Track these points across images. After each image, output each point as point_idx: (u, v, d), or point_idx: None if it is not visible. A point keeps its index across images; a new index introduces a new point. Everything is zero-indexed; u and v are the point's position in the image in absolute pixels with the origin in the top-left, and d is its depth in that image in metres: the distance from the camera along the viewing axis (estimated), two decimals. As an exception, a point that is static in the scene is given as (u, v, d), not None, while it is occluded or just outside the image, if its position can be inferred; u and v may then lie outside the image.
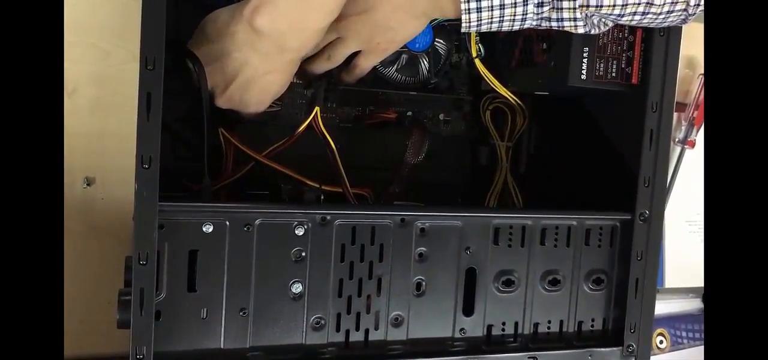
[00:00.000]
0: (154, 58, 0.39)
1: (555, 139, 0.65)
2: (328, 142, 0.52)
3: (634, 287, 0.53)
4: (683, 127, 0.77)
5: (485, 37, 0.59)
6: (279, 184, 0.52)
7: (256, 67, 0.47)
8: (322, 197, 0.49)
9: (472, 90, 0.65)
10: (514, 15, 0.45)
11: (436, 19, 0.56)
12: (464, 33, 0.47)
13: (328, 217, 0.46)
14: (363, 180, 0.57)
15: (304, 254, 0.46)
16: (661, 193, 0.53)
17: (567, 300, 0.53)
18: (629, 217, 0.53)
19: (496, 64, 0.60)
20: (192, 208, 0.43)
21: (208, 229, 0.43)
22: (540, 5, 0.45)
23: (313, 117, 0.51)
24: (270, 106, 0.56)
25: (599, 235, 0.54)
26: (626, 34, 0.52)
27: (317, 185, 0.51)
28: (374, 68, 0.58)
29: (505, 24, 0.46)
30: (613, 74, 0.53)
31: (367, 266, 0.47)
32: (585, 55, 0.52)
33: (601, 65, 0.52)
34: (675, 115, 0.78)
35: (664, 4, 0.44)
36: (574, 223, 0.53)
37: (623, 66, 0.53)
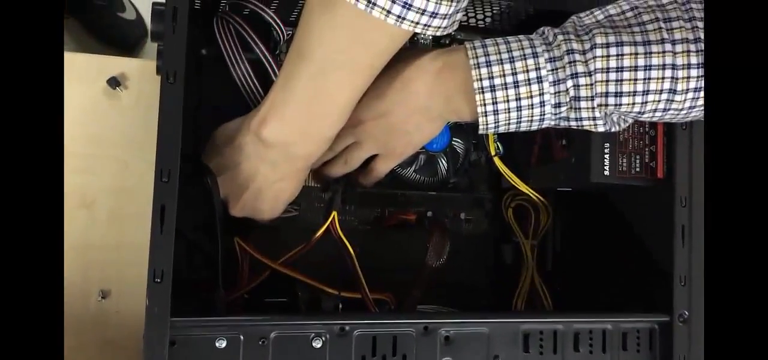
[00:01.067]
0: (170, 170, 0.39)
1: (581, 235, 0.63)
2: (346, 247, 0.50)
3: (679, 395, 0.49)
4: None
5: (503, 135, 0.59)
6: (296, 291, 0.50)
7: (266, 176, 0.47)
8: (341, 305, 0.47)
9: (493, 188, 0.64)
10: (532, 117, 0.44)
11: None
12: (465, 129, 0.47)
13: (347, 328, 0.44)
14: (384, 283, 0.55)
15: (322, 368, 0.43)
16: (699, 292, 0.50)
17: (606, 411, 0.49)
18: (668, 319, 0.50)
19: (515, 160, 0.59)
20: (205, 322, 0.41)
21: (222, 344, 0.41)
22: (558, 106, 0.44)
23: (331, 222, 0.50)
24: (287, 211, 0.55)
25: (637, 339, 0.50)
26: (647, 129, 0.51)
27: (336, 292, 0.49)
28: (392, 170, 0.58)
29: (523, 125, 0.45)
30: (638, 169, 0.51)
31: (389, 379, 0.45)
32: (606, 150, 0.50)
33: (624, 160, 0.51)
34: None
35: (685, 100, 0.43)
36: (609, 326, 0.50)
37: (647, 160, 0.51)
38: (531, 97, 0.43)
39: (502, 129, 0.45)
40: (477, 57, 0.44)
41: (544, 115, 0.44)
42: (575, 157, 0.53)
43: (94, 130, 0.55)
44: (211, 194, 0.47)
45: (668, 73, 0.42)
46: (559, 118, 0.45)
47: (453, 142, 0.59)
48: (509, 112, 0.44)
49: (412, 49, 0.49)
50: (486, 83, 0.43)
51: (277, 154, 0.46)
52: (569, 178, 0.54)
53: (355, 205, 0.60)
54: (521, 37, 0.45)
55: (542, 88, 0.43)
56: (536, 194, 0.60)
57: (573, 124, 0.45)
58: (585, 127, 0.45)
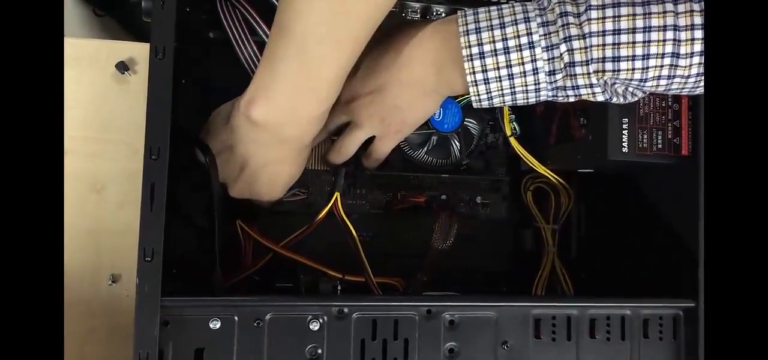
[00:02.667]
0: (159, 148, 0.38)
1: (606, 219, 0.60)
2: (349, 229, 0.49)
3: (706, 387, 0.46)
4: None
5: (522, 115, 0.56)
6: (299, 275, 0.49)
7: (259, 158, 0.46)
8: (340, 288, 0.45)
9: (511, 170, 0.62)
10: (526, 85, 0.42)
11: (459, 97, 0.54)
12: (477, 108, 0.44)
13: (346, 310, 0.42)
14: (394, 268, 0.54)
15: (319, 351, 0.42)
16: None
17: (626, 403, 0.46)
18: (693, 305, 0.46)
19: (534, 141, 0.57)
20: (197, 302, 0.40)
21: (216, 325, 0.41)
22: (552, 73, 0.41)
23: (334, 203, 0.49)
24: (294, 194, 0.54)
25: (659, 326, 0.47)
26: (670, 103, 0.48)
27: (339, 275, 0.48)
28: (403, 151, 0.56)
29: (518, 95, 0.42)
30: (660, 145, 0.48)
31: (390, 364, 0.43)
32: (625, 126, 0.47)
33: (645, 137, 0.48)
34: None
35: (691, 65, 0.40)
36: (628, 312, 0.47)
37: (670, 137, 0.48)
38: (522, 63, 0.41)
39: (496, 101, 0.43)
40: (467, 24, 0.42)
41: (538, 84, 0.42)
42: (592, 134, 0.50)
43: (104, 115, 0.55)
44: (209, 174, 0.47)
45: (669, 34, 0.39)
46: (556, 88, 0.42)
47: (466, 123, 0.57)
48: (500, 80, 0.42)
49: (404, 23, 0.47)
50: (475, 50, 0.41)
51: (268, 135, 0.44)
52: (587, 158, 0.51)
53: (365, 189, 0.59)
54: (516, 3, 0.42)
55: (534, 54, 0.41)
56: (556, 176, 0.57)
57: (570, 93, 0.42)
58: (583, 97, 0.42)
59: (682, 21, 0.39)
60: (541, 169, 0.56)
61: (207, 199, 0.52)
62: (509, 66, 0.41)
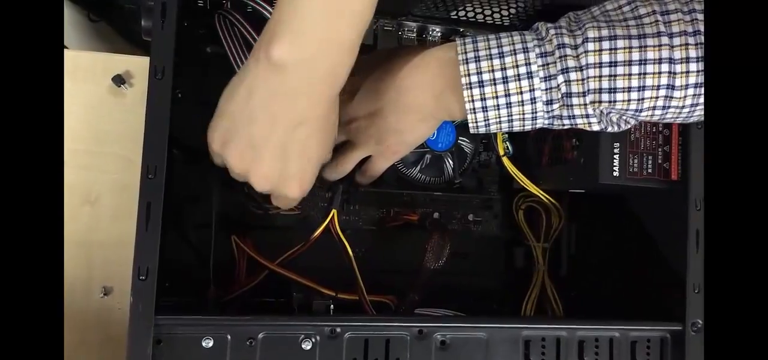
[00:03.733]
0: (156, 167, 0.39)
1: (597, 239, 0.60)
2: (345, 246, 0.49)
3: (693, 410, 0.46)
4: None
5: (515, 135, 0.57)
6: (293, 292, 0.49)
7: (286, 119, 0.40)
8: (332, 307, 0.46)
9: (503, 188, 0.62)
10: (523, 114, 0.42)
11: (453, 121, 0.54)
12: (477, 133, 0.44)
13: (338, 329, 0.43)
14: (387, 286, 0.54)
15: (312, 370, 0.42)
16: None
17: (614, 425, 0.47)
18: (680, 328, 0.47)
19: (527, 161, 0.57)
20: (191, 321, 0.41)
21: (208, 343, 0.41)
22: (549, 103, 0.42)
23: (331, 221, 0.49)
24: (292, 210, 0.55)
25: (647, 349, 0.48)
26: (661, 128, 0.49)
27: (332, 293, 0.48)
28: (396, 169, 0.57)
29: (515, 123, 0.43)
30: (650, 170, 0.49)
31: (381, 384, 0.43)
32: (616, 150, 0.48)
33: (635, 161, 0.48)
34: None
35: (686, 96, 0.40)
36: (617, 334, 0.47)
37: (660, 161, 0.49)
38: (521, 93, 0.42)
39: (493, 128, 0.43)
40: (466, 52, 0.42)
41: (535, 113, 0.42)
42: (584, 157, 0.51)
43: (99, 127, 0.55)
44: (210, 189, 0.47)
45: (665, 67, 0.40)
46: (553, 117, 0.43)
47: (460, 142, 0.57)
48: (498, 108, 0.42)
49: (404, 48, 0.48)
50: (474, 79, 0.42)
51: (295, 79, 0.38)
52: (579, 179, 0.52)
53: (359, 206, 0.59)
54: (514, 32, 0.43)
55: (532, 84, 0.41)
56: (547, 196, 0.58)
57: (566, 122, 0.43)
58: (579, 126, 0.43)
59: (677, 54, 0.40)
60: (533, 188, 0.56)
61: (202, 212, 0.52)
62: (508, 95, 0.42)
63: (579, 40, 0.41)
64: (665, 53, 0.40)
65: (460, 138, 0.57)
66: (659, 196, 0.50)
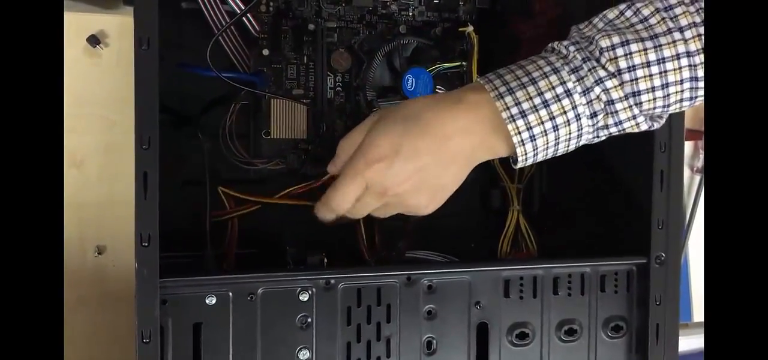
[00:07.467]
0: (149, 137, 0.39)
1: (567, 179, 0.64)
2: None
3: (655, 333, 0.51)
4: (701, 155, 0.75)
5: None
6: (286, 247, 0.51)
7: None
8: (326, 259, 0.48)
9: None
10: (570, 134, 0.42)
11: (430, 67, 0.55)
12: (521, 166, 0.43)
13: (333, 281, 0.45)
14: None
15: (310, 320, 0.45)
16: (676, 235, 0.51)
17: (586, 349, 0.52)
18: (645, 261, 0.51)
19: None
20: (194, 282, 0.43)
21: (212, 301, 0.43)
22: (594, 116, 0.42)
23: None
24: (275, 163, 0.56)
25: (615, 281, 0.52)
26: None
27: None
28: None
29: (560, 146, 0.42)
30: (620, 116, 0.51)
31: (374, 328, 0.47)
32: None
33: (606, 108, 0.51)
34: (692, 143, 0.76)
35: None
36: (588, 270, 0.51)
37: (629, 106, 0.51)
38: (565, 113, 0.41)
39: (541, 156, 0.42)
40: (496, 88, 0.41)
41: (581, 129, 0.42)
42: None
43: (77, 89, 0.55)
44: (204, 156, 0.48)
45: (684, 61, 0.41)
46: (597, 129, 0.43)
47: (437, 90, 0.59)
48: (546, 134, 0.41)
49: (426, 98, 0.46)
50: (514, 111, 0.41)
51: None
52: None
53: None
54: (533, 57, 0.42)
55: (574, 101, 0.41)
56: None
57: (613, 130, 0.43)
58: (627, 130, 0.43)
59: (692, 46, 0.41)
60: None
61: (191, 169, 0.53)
62: (552, 118, 0.41)
63: (596, 53, 0.41)
64: (681, 48, 0.41)
65: (438, 86, 0.59)
66: (627, 138, 0.53)
